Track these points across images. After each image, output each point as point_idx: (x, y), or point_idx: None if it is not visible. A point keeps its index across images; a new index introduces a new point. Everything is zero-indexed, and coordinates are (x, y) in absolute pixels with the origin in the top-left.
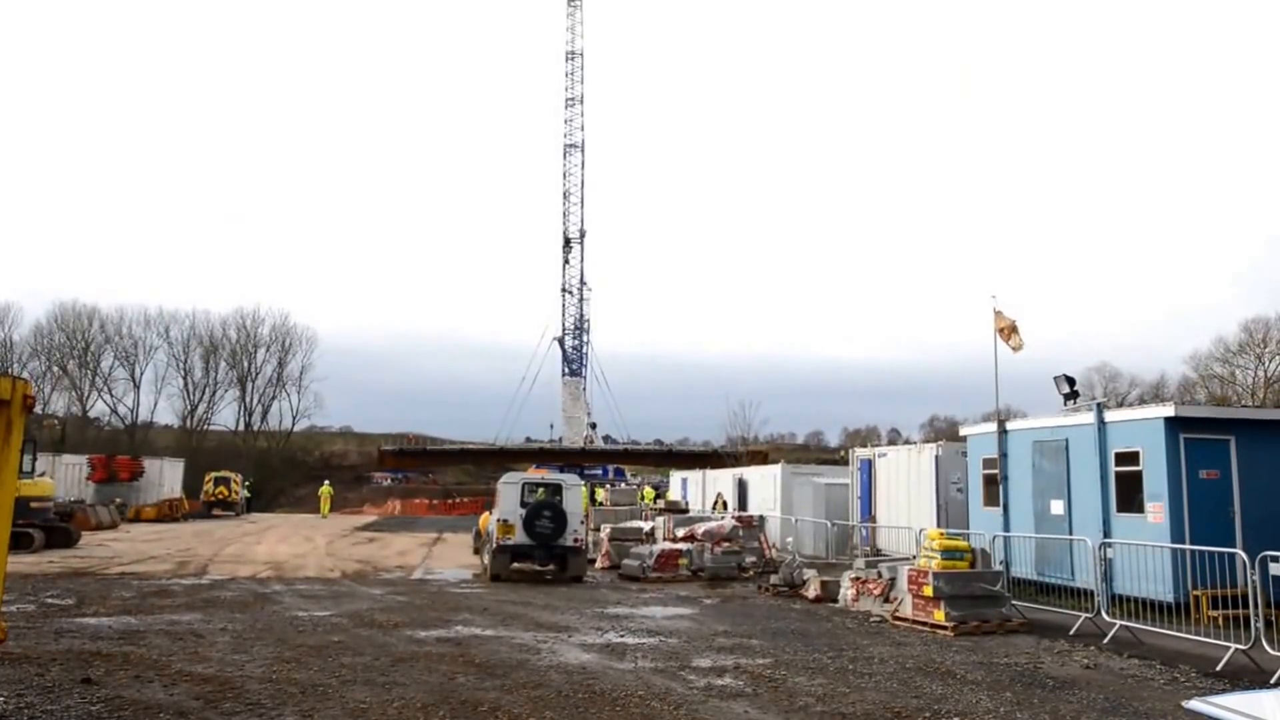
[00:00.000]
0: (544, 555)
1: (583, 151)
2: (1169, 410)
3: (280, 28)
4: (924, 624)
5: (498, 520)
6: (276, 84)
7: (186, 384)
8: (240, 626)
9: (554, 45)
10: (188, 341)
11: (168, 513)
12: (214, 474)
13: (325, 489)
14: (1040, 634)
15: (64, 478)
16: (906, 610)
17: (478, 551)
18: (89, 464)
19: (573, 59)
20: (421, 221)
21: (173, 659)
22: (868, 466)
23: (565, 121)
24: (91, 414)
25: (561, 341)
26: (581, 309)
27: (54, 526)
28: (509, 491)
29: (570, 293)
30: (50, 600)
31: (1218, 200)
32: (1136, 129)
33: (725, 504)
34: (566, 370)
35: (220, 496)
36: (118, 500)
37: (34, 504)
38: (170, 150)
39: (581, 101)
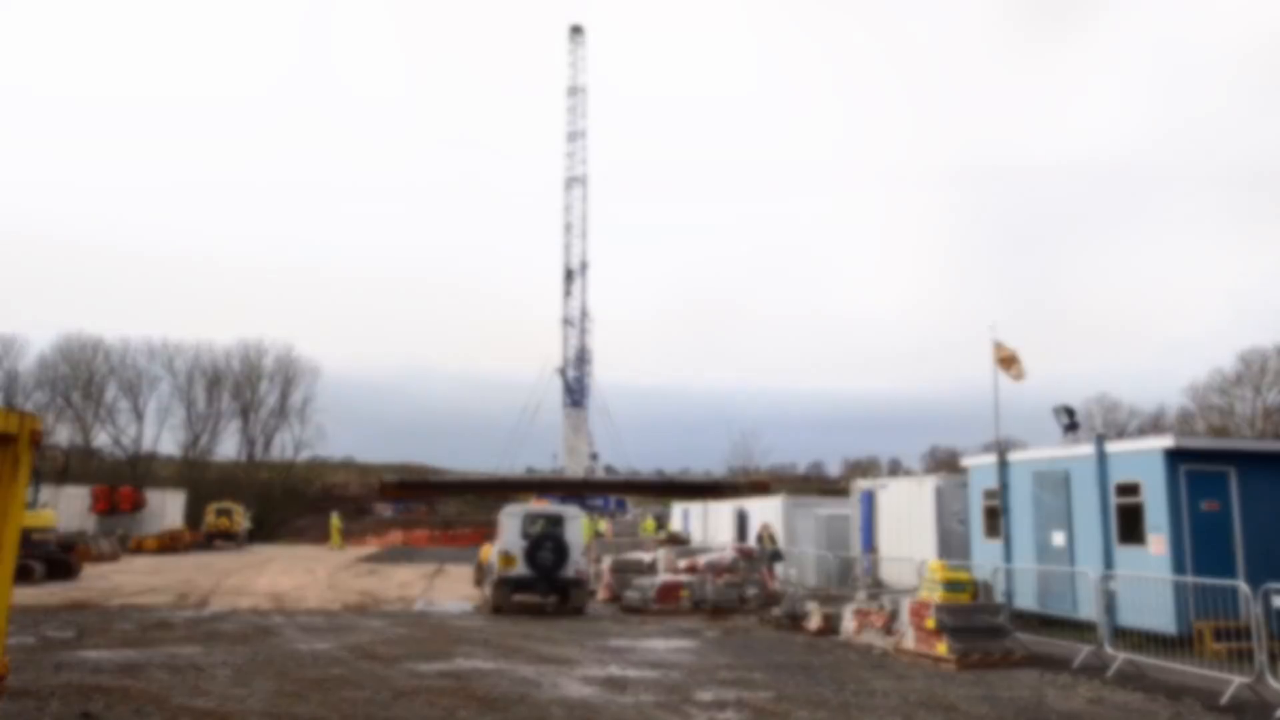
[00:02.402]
0: (545, 587)
1: (585, 185)
2: (1169, 442)
3: (289, 56)
4: (927, 657)
5: (499, 552)
6: (281, 111)
7: (189, 415)
8: (241, 660)
9: (558, 79)
10: (191, 373)
11: (169, 544)
12: (216, 505)
13: (335, 521)
14: (1043, 667)
15: (66, 509)
16: (909, 643)
17: (479, 583)
18: (91, 495)
19: (575, 94)
20: (424, 252)
21: (173, 693)
22: (869, 498)
23: (568, 155)
24: (94, 445)
25: (563, 372)
26: (583, 340)
27: (55, 558)
28: (510, 523)
29: (572, 324)
30: (50, 633)
31: (1213, 225)
32: (1128, 154)
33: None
34: (568, 401)
35: (222, 528)
36: (120, 531)
37: (36, 536)
38: (177, 181)
39: (584, 136)
